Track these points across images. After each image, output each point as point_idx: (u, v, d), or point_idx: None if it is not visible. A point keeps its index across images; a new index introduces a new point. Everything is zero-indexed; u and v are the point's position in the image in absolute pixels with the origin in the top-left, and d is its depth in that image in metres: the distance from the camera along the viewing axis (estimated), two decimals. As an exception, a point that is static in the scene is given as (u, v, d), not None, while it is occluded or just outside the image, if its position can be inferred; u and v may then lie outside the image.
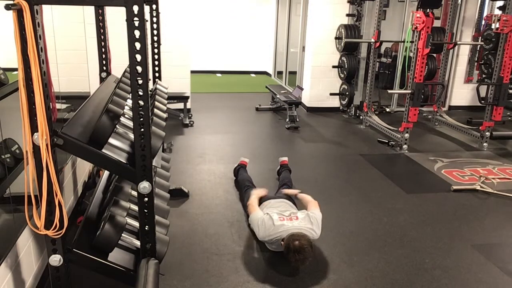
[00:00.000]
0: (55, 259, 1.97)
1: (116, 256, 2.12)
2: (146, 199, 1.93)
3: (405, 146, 5.07)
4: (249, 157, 4.20)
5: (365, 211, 3.52)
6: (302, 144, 5.40)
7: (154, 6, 4.09)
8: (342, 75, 6.53)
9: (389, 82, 8.07)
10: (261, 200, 3.21)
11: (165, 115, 2.82)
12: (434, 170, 4.51)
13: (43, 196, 1.79)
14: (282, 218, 2.77)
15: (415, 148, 5.18)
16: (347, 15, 6.42)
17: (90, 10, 3.37)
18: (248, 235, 3.05)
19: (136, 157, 1.87)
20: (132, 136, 1.99)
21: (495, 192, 3.92)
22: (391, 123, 5.68)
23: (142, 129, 1.82)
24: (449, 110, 7.30)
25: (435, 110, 6.37)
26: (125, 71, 3.15)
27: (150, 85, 3.82)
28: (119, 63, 3.42)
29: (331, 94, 6.79)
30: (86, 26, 3.92)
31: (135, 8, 1.64)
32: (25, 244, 2.20)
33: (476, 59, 7.16)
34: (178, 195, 3.62)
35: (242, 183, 3.72)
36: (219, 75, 10.61)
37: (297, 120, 6.04)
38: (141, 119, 1.80)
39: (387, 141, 5.29)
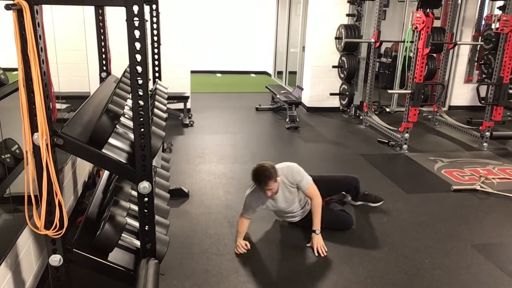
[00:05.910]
0: (55, 259, 1.97)
1: (116, 256, 2.12)
2: (146, 199, 1.93)
3: (405, 146, 5.07)
4: (249, 157, 4.20)
5: (365, 211, 3.52)
6: (302, 144, 5.40)
7: (154, 6, 4.10)
8: (342, 75, 6.53)
9: (389, 82, 8.07)
10: None
11: (165, 115, 2.82)
12: (434, 170, 4.51)
13: (43, 196, 1.79)
14: None
15: (415, 148, 5.18)
16: (347, 15, 6.43)
17: (90, 10, 3.37)
18: (248, 235, 3.05)
19: (136, 157, 1.87)
20: (132, 136, 1.99)
21: (495, 192, 3.92)
22: (391, 123, 5.68)
23: (142, 129, 1.82)
24: (449, 110, 7.30)
25: (435, 110, 6.37)
26: (125, 71, 3.15)
27: (150, 85, 3.82)
28: (119, 63, 3.42)
29: (331, 94, 6.79)
30: (86, 26, 3.92)
31: (135, 8, 1.64)
32: (25, 244, 2.20)
33: (476, 59, 7.16)
34: (178, 195, 3.62)
35: None
36: (219, 75, 10.61)
37: (297, 120, 6.04)
38: (141, 119, 1.80)
39: (387, 141, 5.29)
